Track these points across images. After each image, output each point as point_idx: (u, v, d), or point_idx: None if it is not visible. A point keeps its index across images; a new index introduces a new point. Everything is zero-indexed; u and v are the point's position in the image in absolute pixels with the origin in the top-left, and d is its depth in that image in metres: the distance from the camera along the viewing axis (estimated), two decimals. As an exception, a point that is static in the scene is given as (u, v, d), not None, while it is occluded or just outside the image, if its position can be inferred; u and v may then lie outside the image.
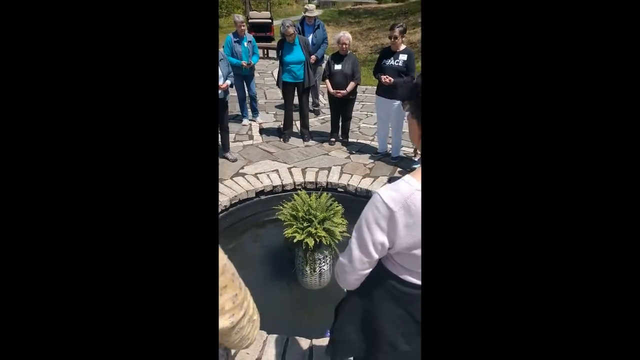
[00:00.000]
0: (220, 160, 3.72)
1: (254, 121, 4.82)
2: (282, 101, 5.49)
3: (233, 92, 4.45)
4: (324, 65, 5.10)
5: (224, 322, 0.60)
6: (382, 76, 3.49)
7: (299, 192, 2.82)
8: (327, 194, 2.79)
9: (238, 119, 4.85)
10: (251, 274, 2.73)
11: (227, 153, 3.80)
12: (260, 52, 5.05)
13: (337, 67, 3.85)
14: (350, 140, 4.27)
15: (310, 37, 4.55)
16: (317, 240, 2.47)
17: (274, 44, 8.79)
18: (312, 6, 4.69)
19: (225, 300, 0.60)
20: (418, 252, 0.89)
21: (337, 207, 2.67)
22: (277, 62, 4.24)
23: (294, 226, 2.51)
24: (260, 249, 3.11)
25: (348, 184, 3.45)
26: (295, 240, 2.46)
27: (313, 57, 4.37)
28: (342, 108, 4.06)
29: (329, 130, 4.47)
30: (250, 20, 9.68)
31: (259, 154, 3.99)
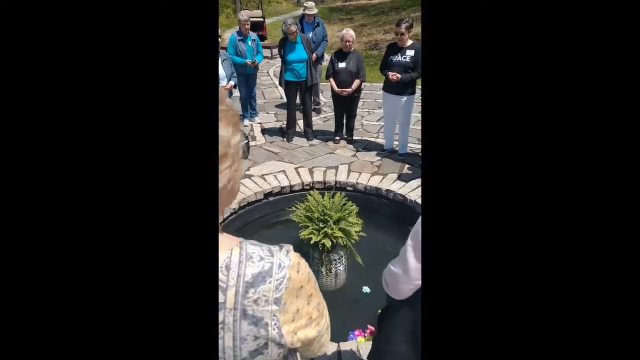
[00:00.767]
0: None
1: (253, 121, 4.76)
2: (282, 100, 5.44)
3: (235, 93, 4.38)
4: (323, 63, 5.07)
5: (311, 331, 0.57)
6: (389, 73, 3.46)
7: (311, 192, 2.77)
8: (340, 193, 2.75)
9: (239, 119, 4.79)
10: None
11: None
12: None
13: (342, 64, 3.81)
14: (355, 138, 4.24)
15: (310, 35, 4.50)
16: (334, 240, 2.44)
17: (268, 42, 8.74)
18: (311, 4, 4.63)
19: (312, 308, 0.58)
20: None
21: (351, 206, 2.64)
22: (272, 61, 4.18)
23: (310, 227, 2.47)
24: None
25: (357, 183, 3.42)
26: (312, 242, 2.42)
27: (314, 55, 4.32)
28: (346, 106, 4.02)
29: (331, 128, 4.43)
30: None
31: (263, 154, 3.93)
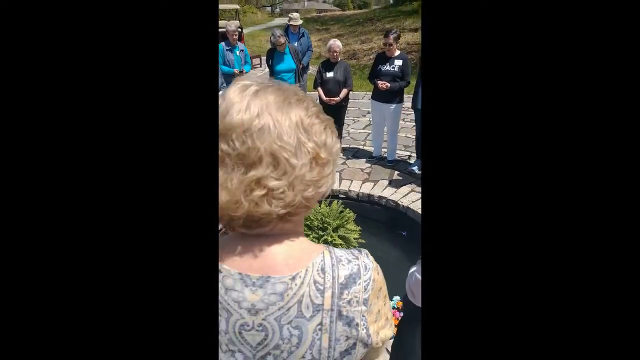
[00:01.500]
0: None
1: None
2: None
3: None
4: (308, 72, 5.12)
5: (389, 332, 0.59)
6: (378, 82, 3.54)
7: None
8: (337, 201, 2.78)
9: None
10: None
11: None
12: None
13: (329, 74, 3.87)
14: (343, 146, 4.29)
15: (295, 45, 4.55)
16: (335, 248, 2.46)
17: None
18: (296, 15, 4.70)
19: (387, 309, 0.59)
20: None
21: (348, 213, 2.68)
22: (253, 71, 4.21)
23: (310, 236, 2.48)
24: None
25: (349, 190, 3.46)
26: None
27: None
28: (334, 115, 4.03)
29: (319, 137, 4.47)
30: (220, 29, 9.57)
31: (254, 164, 3.93)
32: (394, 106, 3.63)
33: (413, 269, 1.06)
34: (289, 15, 4.77)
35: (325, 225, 2.53)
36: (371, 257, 0.58)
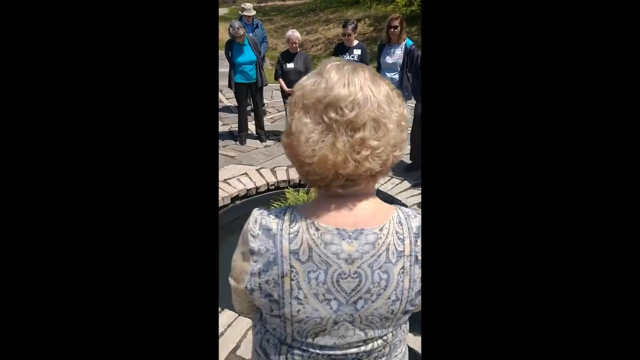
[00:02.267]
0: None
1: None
2: (223, 104, 5.35)
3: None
4: (265, 64, 5.09)
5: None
6: (339, 71, 3.64)
7: (288, 190, 2.84)
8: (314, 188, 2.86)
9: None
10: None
11: None
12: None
13: (290, 65, 3.90)
14: (307, 136, 4.36)
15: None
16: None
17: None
18: (249, 5, 4.63)
19: None
20: None
21: (327, 199, 2.77)
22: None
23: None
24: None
25: (320, 178, 3.55)
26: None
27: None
28: (297, 105, 4.13)
29: (281, 128, 4.46)
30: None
31: (220, 159, 3.86)
32: (356, 94, 3.77)
33: None
34: (242, 5, 4.70)
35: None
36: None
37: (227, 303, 2.17)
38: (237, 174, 3.57)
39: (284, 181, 3.52)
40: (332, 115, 0.54)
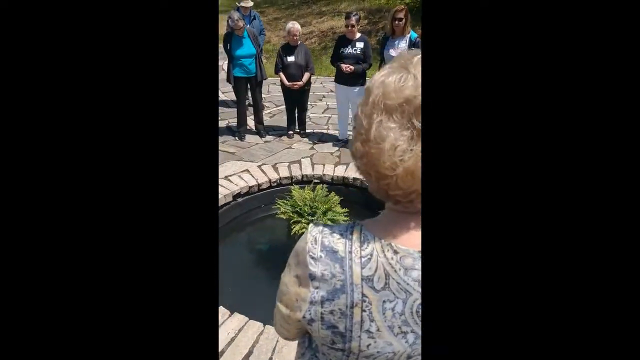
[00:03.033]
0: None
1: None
2: (222, 99, 5.22)
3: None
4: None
5: None
6: (342, 65, 3.56)
7: (293, 187, 2.77)
8: (321, 186, 2.79)
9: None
10: (254, 279, 2.62)
11: None
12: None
13: (290, 58, 3.80)
14: (307, 131, 4.28)
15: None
16: (326, 232, 2.48)
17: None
18: (246, -4, 4.50)
19: None
20: None
21: (334, 196, 2.70)
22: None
23: (302, 221, 2.48)
24: (253, 253, 2.99)
25: (323, 174, 3.48)
26: (307, 236, 2.43)
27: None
28: (297, 99, 4.04)
29: (279, 123, 4.41)
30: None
31: (220, 155, 3.76)
32: (358, 89, 3.69)
33: None
34: (239, -3, 4.56)
35: (314, 210, 2.54)
36: None
37: (237, 307, 2.11)
38: (237, 171, 3.48)
39: (286, 178, 3.44)
40: (416, 123, 0.47)
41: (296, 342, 0.69)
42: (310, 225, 0.58)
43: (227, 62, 3.95)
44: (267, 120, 4.61)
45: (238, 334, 1.88)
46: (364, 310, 0.50)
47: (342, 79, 3.69)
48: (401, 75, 0.48)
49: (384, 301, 0.50)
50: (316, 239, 0.54)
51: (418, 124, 0.47)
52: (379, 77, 0.51)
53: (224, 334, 1.88)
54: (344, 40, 3.61)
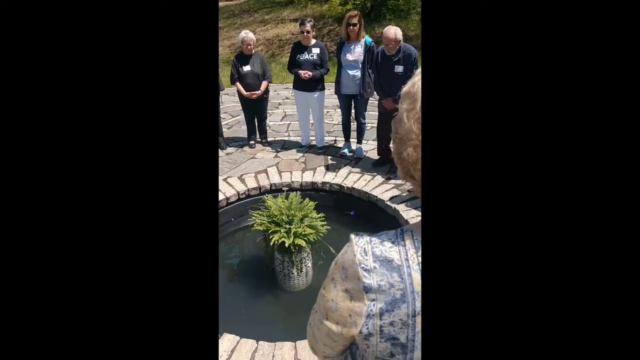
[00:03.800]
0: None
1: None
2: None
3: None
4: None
5: None
6: (300, 72, 3.57)
7: (266, 197, 2.72)
8: (295, 193, 2.77)
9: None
10: (232, 296, 2.54)
11: None
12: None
13: (246, 68, 3.75)
14: (269, 139, 4.24)
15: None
16: (305, 238, 2.46)
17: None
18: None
19: None
20: None
21: (308, 202, 2.70)
22: None
23: (281, 231, 2.44)
24: (227, 269, 2.89)
25: (292, 181, 3.46)
26: (287, 245, 2.40)
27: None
28: (256, 109, 3.99)
29: (239, 134, 4.33)
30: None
31: (181, 172, 3.60)
32: (317, 94, 3.72)
33: None
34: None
35: (291, 218, 2.51)
36: None
37: (225, 325, 2.02)
38: (203, 186, 3.35)
39: (254, 188, 3.38)
40: None
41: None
42: (352, 236, 0.57)
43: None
44: (225, 132, 4.50)
45: (232, 355, 1.81)
46: None
47: (301, 85, 3.70)
48: None
49: None
50: (365, 250, 0.53)
51: None
52: (420, 82, 0.51)
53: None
54: (300, 47, 3.63)
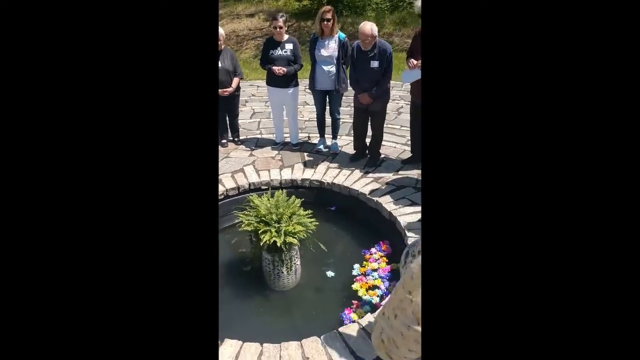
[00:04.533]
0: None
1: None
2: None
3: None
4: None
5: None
6: (274, 68, 3.50)
7: (251, 196, 2.65)
8: (281, 190, 2.72)
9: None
10: (224, 300, 2.46)
11: None
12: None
13: (217, 64, 3.62)
14: (241, 137, 4.13)
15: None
16: (296, 236, 2.44)
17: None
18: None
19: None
20: None
21: (295, 200, 2.67)
22: None
23: (271, 230, 2.39)
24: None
25: (271, 180, 3.40)
26: (279, 244, 2.35)
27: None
28: (229, 106, 3.86)
29: (209, 133, 4.15)
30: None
31: (151, 174, 3.41)
32: (292, 90, 3.68)
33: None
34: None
35: (280, 216, 2.47)
36: None
37: (227, 332, 1.95)
38: (178, 189, 3.20)
39: (233, 189, 3.29)
40: None
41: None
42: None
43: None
44: (193, 131, 4.32)
45: (237, 360, 1.75)
46: None
47: (275, 81, 3.64)
48: None
49: None
50: None
51: None
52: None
53: (222, 364, 1.74)
54: (273, 43, 3.56)
